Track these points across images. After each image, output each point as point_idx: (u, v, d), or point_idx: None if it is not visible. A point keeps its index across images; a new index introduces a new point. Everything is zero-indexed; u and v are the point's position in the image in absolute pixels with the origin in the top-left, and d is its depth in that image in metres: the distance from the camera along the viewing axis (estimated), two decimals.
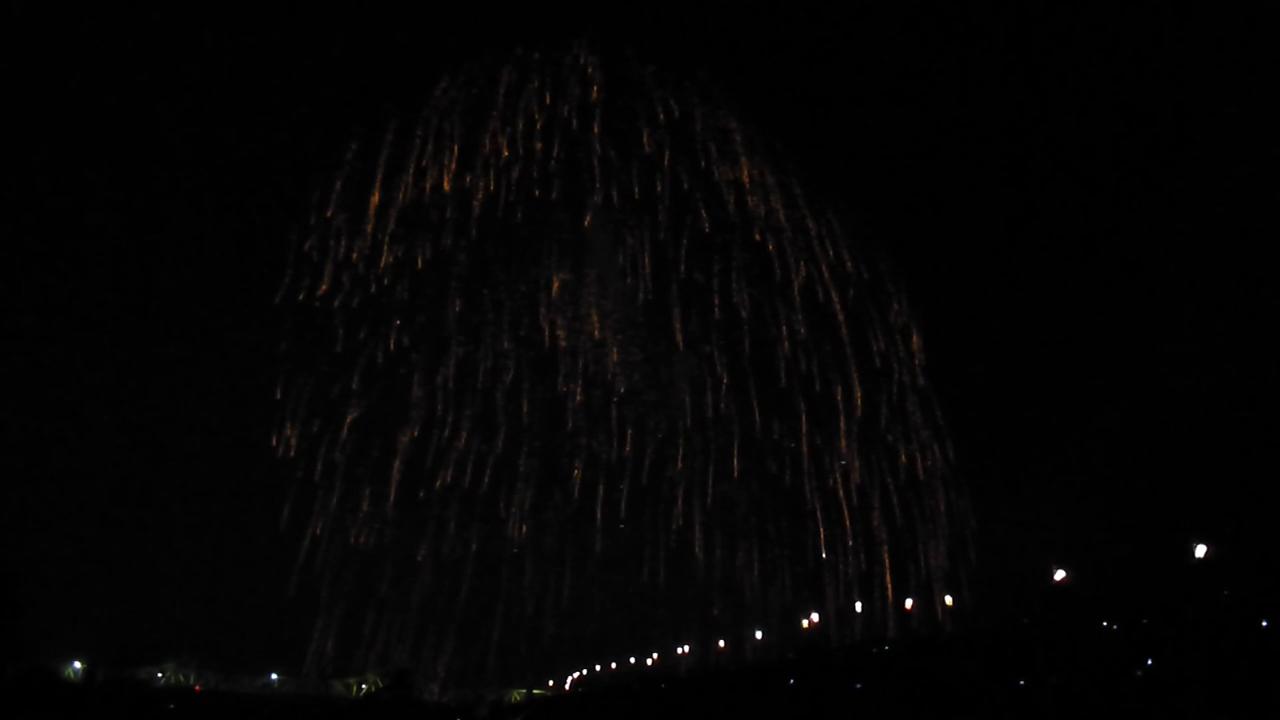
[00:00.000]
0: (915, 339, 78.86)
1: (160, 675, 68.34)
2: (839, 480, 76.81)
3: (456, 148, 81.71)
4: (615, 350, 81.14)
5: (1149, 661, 32.05)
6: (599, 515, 78.19)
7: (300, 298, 79.01)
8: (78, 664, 59.13)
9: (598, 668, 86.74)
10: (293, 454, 77.81)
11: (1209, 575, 34.28)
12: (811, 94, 76.48)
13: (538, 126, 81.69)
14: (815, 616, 65.63)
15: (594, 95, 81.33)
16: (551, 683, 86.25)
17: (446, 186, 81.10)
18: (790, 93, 76.02)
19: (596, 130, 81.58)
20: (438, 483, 78.40)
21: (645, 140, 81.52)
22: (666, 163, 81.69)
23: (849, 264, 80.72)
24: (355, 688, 74.74)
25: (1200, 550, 35.48)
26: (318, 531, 75.66)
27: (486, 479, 79.51)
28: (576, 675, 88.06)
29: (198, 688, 66.51)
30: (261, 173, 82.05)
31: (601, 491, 78.82)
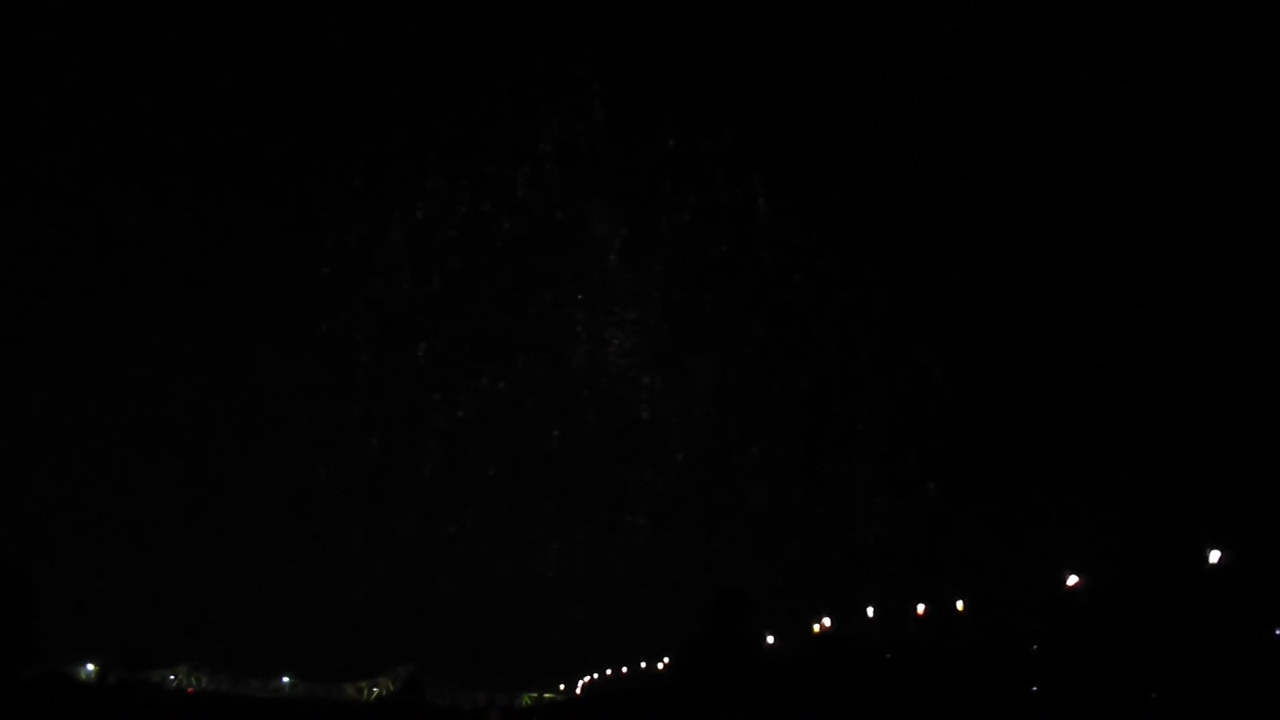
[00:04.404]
0: (937, 372, 78.04)
1: (172, 678, 68.80)
2: (861, 509, 76.39)
3: (465, 170, 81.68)
4: (634, 378, 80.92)
5: (1162, 669, 31.74)
6: (621, 541, 78.32)
7: (323, 328, 79.17)
8: (90, 666, 59.48)
9: (609, 671, 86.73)
10: (319, 482, 78.12)
11: (1223, 581, 33.91)
12: (830, 125, 75.84)
13: (544, 147, 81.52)
14: (827, 621, 65.29)
15: (599, 115, 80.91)
16: (563, 686, 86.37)
17: (460, 209, 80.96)
18: (808, 122, 75.43)
19: (605, 151, 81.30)
20: (465, 515, 78.64)
21: (656, 164, 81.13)
22: (677, 189, 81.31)
23: (869, 297, 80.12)
24: (367, 691, 75.09)
25: (1214, 556, 35.07)
26: (340, 560, 75.98)
27: (508, 507, 79.66)
28: (588, 679, 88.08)
29: (190, 689, 66.72)
30: (277, 196, 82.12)
31: (625, 518, 78.90)
